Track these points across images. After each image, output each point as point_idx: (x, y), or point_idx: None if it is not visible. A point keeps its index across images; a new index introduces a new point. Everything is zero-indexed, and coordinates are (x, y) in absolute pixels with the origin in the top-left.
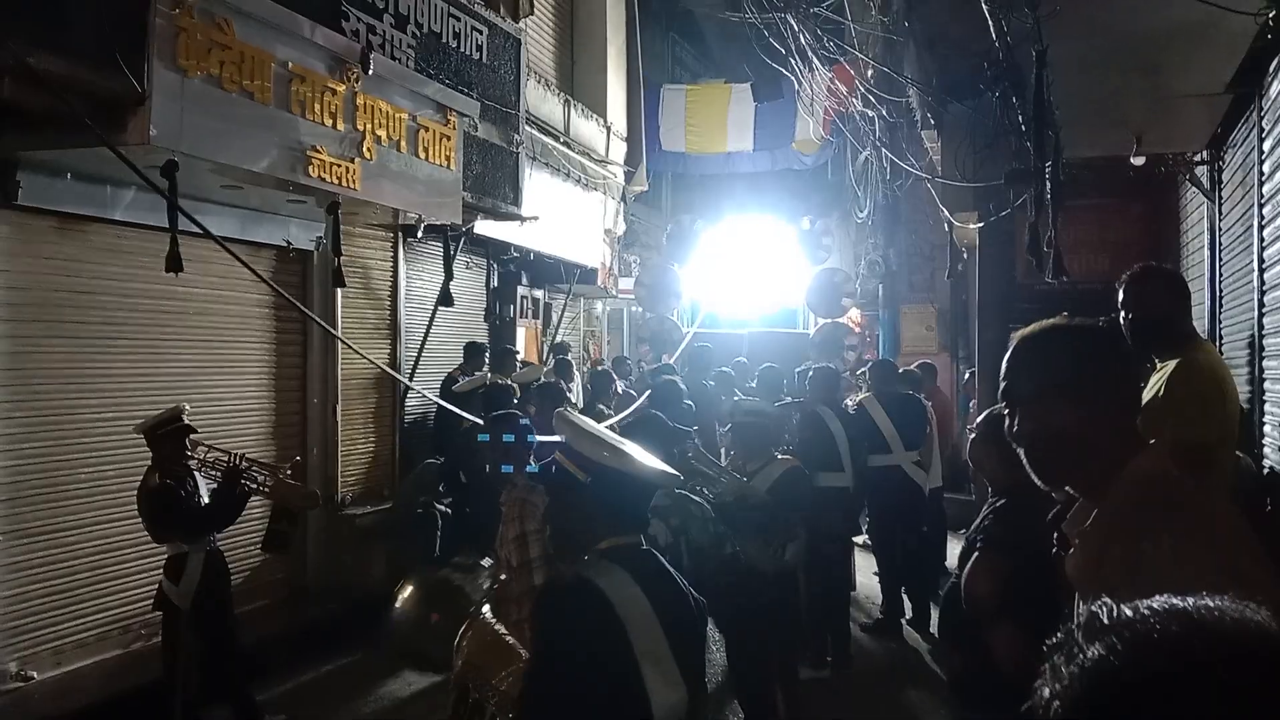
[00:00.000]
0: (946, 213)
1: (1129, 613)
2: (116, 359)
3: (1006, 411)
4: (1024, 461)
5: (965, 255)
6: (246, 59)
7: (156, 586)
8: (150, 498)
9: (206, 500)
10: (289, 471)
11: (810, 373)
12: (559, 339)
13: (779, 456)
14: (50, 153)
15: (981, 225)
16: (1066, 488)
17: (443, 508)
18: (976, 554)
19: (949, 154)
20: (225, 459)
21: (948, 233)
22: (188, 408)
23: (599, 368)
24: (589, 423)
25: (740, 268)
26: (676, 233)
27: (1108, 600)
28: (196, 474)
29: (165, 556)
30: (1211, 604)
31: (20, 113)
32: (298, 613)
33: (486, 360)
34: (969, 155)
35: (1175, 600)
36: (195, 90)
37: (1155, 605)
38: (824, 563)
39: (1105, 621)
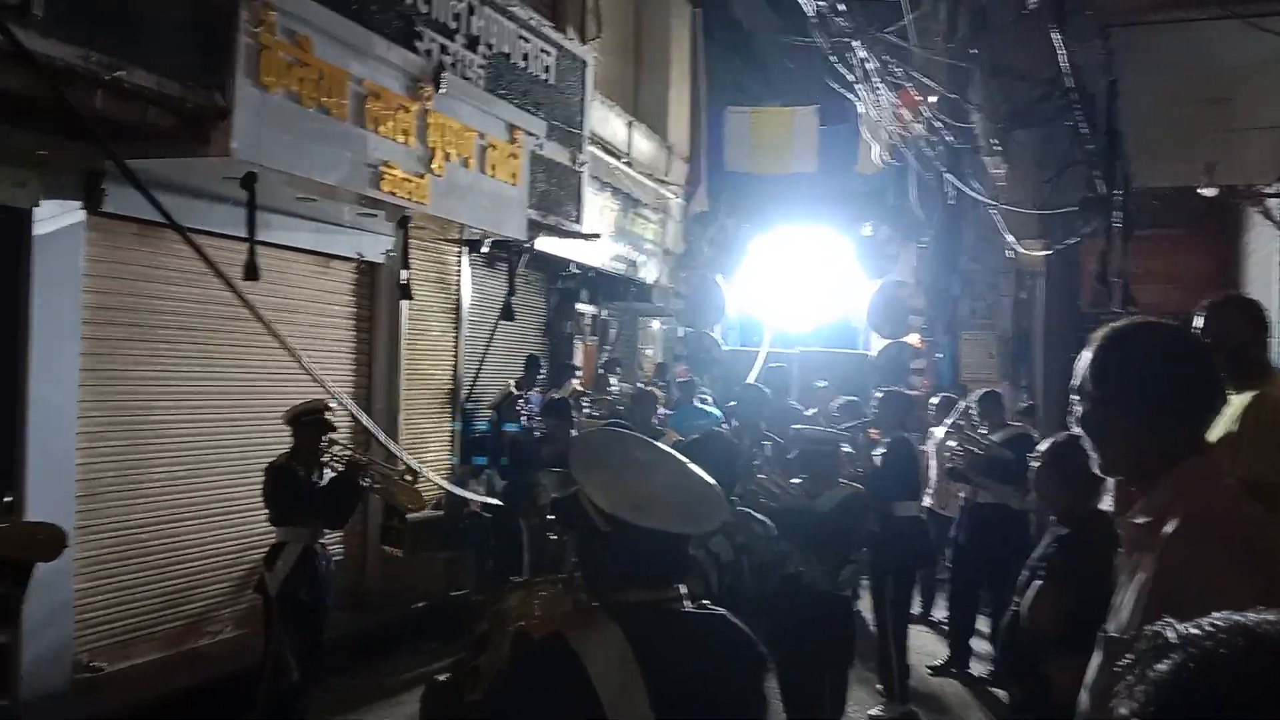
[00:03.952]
0: (1012, 239)
1: (1195, 630)
2: (190, 363)
3: (1077, 397)
4: (1086, 446)
5: (1029, 282)
6: (325, 76)
7: (237, 583)
8: (271, 476)
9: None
10: (407, 476)
11: (880, 396)
12: (610, 355)
13: (843, 483)
14: (135, 162)
15: (1048, 253)
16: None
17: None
18: (1039, 583)
19: (1015, 180)
20: (350, 453)
21: (1011, 259)
22: (334, 405)
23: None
24: (629, 452)
25: (791, 280)
26: (720, 239)
27: (1171, 619)
28: (326, 469)
29: (233, 553)
30: (1273, 617)
31: (110, 124)
32: (359, 619)
33: (541, 374)
34: (1037, 182)
35: (1236, 616)
36: (276, 106)
37: (1219, 621)
38: (889, 591)
39: (1172, 639)
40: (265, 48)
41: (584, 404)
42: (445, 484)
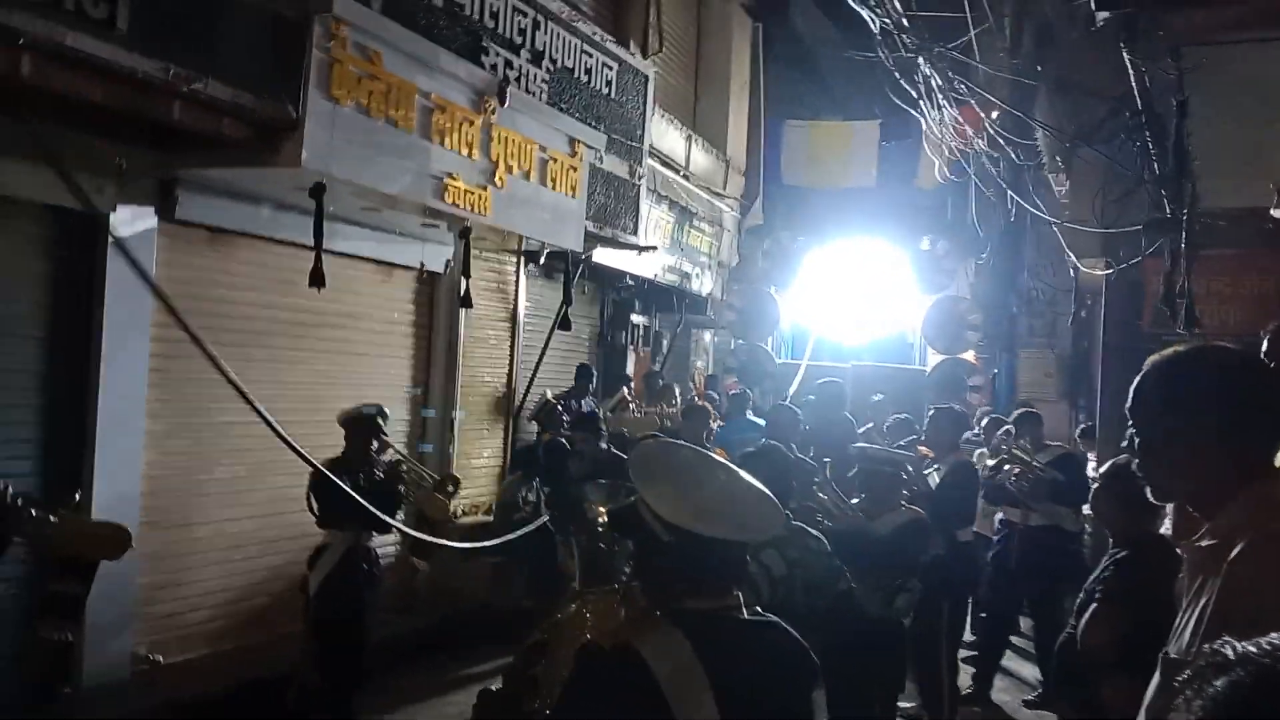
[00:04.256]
0: (1074, 257)
1: (1252, 648)
2: (254, 366)
3: (1131, 426)
4: (1139, 472)
5: (1089, 301)
6: (393, 89)
7: (293, 582)
8: (313, 478)
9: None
10: (450, 489)
11: (931, 413)
12: (661, 366)
13: (903, 506)
14: (207, 171)
15: (1110, 272)
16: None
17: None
18: (1095, 604)
19: (1079, 198)
20: (395, 459)
21: (1073, 277)
22: (388, 412)
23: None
24: (688, 462)
25: (846, 292)
26: (775, 250)
27: (1230, 638)
28: (375, 474)
29: (291, 551)
30: None
31: (185, 134)
32: (407, 620)
33: (593, 383)
34: (1102, 200)
35: None
36: (345, 118)
37: (1277, 640)
38: (946, 616)
39: (1231, 656)
40: (336, 61)
41: (631, 410)
42: (445, 542)
